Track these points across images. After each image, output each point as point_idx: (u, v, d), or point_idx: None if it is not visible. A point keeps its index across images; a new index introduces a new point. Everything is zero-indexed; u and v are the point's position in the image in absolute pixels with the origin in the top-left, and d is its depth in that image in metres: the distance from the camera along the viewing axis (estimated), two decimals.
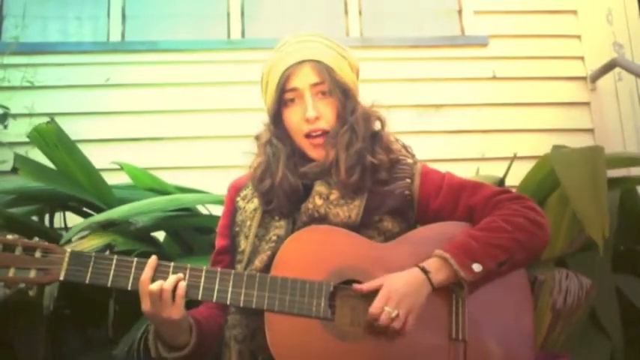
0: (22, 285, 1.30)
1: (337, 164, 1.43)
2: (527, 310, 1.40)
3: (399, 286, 1.28)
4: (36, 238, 1.35)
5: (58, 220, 2.44)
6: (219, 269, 1.35)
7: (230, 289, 1.32)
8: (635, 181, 2.29)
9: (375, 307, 1.27)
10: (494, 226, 1.37)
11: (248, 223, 1.50)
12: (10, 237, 1.33)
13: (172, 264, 1.34)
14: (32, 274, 1.31)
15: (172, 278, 1.31)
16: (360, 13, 3.50)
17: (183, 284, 1.31)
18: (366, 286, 1.31)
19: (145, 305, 1.30)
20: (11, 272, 1.30)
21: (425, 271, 1.31)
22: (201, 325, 1.40)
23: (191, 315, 1.39)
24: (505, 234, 1.36)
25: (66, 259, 1.32)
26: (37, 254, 1.32)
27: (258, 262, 1.41)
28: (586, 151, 2.01)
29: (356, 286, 1.31)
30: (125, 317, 1.88)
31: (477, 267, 1.31)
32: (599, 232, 1.70)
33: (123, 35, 3.39)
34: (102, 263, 1.33)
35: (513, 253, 1.35)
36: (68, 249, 1.35)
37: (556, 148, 2.12)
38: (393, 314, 1.25)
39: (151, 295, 1.29)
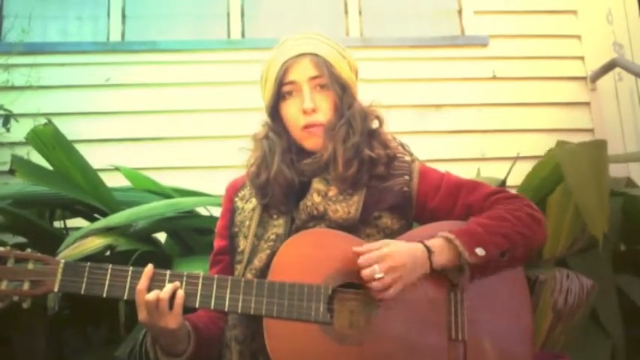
0: (16, 298, 1.28)
1: (335, 157, 1.44)
2: (526, 309, 1.40)
3: (397, 254, 1.28)
4: (28, 250, 1.33)
5: (58, 221, 2.44)
6: (216, 276, 1.34)
7: (228, 296, 1.31)
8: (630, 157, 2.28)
9: (365, 259, 1.26)
10: (499, 216, 1.38)
11: (247, 222, 1.50)
12: (1, 249, 1.32)
13: (169, 272, 1.32)
14: (25, 286, 1.29)
15: (169, 287, 1.29)
16: (360, 13, 3.50)
17: (181, 293, 1.29)
18: (365, 247, 1.30)
19: (142, 315, 1.29)
20: (4, 285, 1.28)
21: (429, 250, 1.31)
22: (200, 332, 1.40)
23: (190, 320, 1.38)
24: (509, 224, 1.37)
25: (60, 270, 1.31)
26: (30, 265, 1.31)
27: (257, 262, 1.41)
28: (590, 146, 2.01)
29: (355, 248, 1.30)
30: (135, 317, 1.88)
31: (480, 251, 1.31)
32: (599, 227, 1.70)
33: (123, 35, 3.38)
34: (96, 273, 1.31)
35: (516, 245, 1.36)
36: (62, 260, 1.33)
37: (560, 143, 2.12)
38: (377, 275, 1.24)
39: (148, 305, 1.27)
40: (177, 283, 1.30)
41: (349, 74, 1.52)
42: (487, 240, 1.33)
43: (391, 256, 1.27)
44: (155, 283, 1.31)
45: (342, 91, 1.48)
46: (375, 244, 1.30)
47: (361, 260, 1.27)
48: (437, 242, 1.33)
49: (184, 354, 1.35)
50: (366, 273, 1.25)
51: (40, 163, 2.31)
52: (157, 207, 2.10)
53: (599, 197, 1.75)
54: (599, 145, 1.96)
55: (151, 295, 1.28)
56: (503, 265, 1.36)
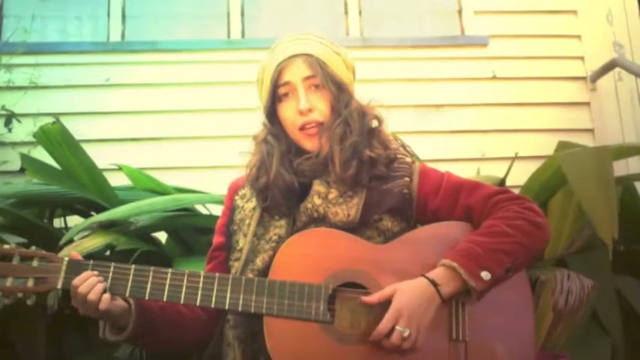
0: (21, 294, 1.31)
1: (332, 158, 1.44)
2: (528, 310, 1.39)
3: (409, 302, 1.26)
4: (33, 247, 1.35)
5: (58, 221, 2.44)
6: (217, 275, 1.34)
7: (228, 295, 1.32)
8: (633, 177, 2.29)
9: (385, 325, 1.25)
10: (497, 231, 1.36)
11: (247, 221, 1.50)
12: (7, 247, 1.34)
13: (170, 270, 1.34)
14: (30, 283, 1.31)
15: (89, 283, 1.30)
16: (360, 13, 3.50)
17: (98, 288, 1.30)
18: (375, 298, 1.29)
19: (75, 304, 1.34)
20: (9, 282, 1.31)
21: (434, 284, 1.29)
22: (147, 311, 1.39)
23: (139, 301, 1.38)
24: (509, 238, 1.34)
25: (63, 268, 1.33)
26: (35, 263, 1.33)
27: (259, 262, 1.41)
28: (593, 152, 2.01)
29: (364, 298, 1.29)
30: None
31: (485, 275, 1.29)
32: (608, 233, 1.70)
33: (123, 35, 3.38)
34: (99, 271, 1.33)
35: (518, 257, 1.34)
36: (65, 257, 1.35)
37: (562, 144, 2.12)
38: (405, 334, 1.23)
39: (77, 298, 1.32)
40: (94, 279, 1.31)
41: (345, 72, 1.52)
42: (490, 261, 1.31)
43: (405, 308, 1.25)
44: (157, 280, 1.33)
45: (337, 90, 1.47)
46: (385, 292, 1.28)
47: (382, 329, 1.24)
48: (440, 273, 1.31)
49: (127, 328, 1.37)
50: (394, 340, 1.23)
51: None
52: (158, 202, 2.11)
53: (606, 203, 1.74)
54: (603, 151, 1.95)
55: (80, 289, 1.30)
56: (509, 278, 1.35)
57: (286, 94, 1.48)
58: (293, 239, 1.37)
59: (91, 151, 2.42)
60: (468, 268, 1.29)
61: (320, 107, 1.47)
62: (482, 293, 1.31)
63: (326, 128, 1.46)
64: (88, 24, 3.46)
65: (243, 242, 1.48)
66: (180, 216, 2.27)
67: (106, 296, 1.31)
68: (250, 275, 1.40)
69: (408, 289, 1.28)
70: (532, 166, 2.16)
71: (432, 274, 1.31)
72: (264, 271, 1.38)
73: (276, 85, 1.47)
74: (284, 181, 1.46)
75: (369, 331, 1.28)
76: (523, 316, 1.38)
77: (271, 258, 1.38)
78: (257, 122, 1.58)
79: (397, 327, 1.24)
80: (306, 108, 1.45)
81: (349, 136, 1.45)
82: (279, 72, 1.46)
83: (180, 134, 3.19)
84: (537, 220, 1.40)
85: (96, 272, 1.32)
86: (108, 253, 2.13)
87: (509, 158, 2.29)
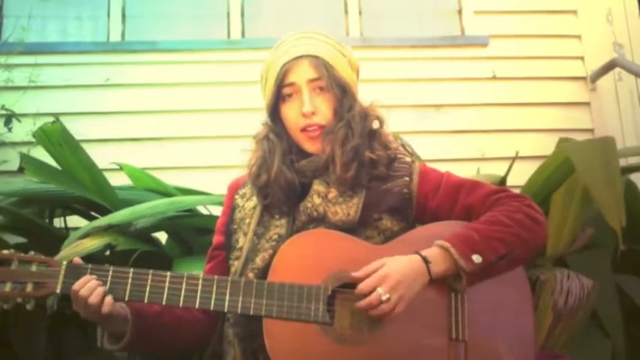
0: (20, 299, 1.31)
1: (333, 160, 1.44)
2: (528, 309, 1.39)
3: (396, 271, 1.27)
4: (32, 252, 1.35)
5: (58, 220, 2.44)
6: (215, 277, 1.34)
7: (227, 297, 1.32)
8: (634, 168, 2.29)
9: (366, 284, 1.26)
10: (495, 220, 1.37)
11: (247, 220, 1.50)
12: (5, 252, 1.34)
13: (169, 273, 1.33)
14: (29, 287, 1.31)
15: (88, 287, 1.30)
16: (360, 13, 3.50)
17: (98, 291, 1.30)
18: (363, 272, 1.29)
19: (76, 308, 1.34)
20: (8, 287, 1.31)
21: (426, 261, 1.30)
22: (144, 318, 1.39)
23: (135, 307, 1.38)
24: (506, 228, 1.35)
25: (62, 272, 1.32)
26: (33, 267, 1.33)
27: (259, 261, 1.41)
28: (598, 142, 2.02)
29: (353, 274, 1.29)
30: None
31: (476, 258, 1.30)
32: (616, 220, 1.70)
33: (123, 35, 3.38)
34: (98, 275, 1.33)
35: (513, 248, 1.34)
36: (64, 262, 1.35)
37: (563, 140, 2.11)
38: (384, 297, 1.24)
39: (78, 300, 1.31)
40: (94, 283, 1.30)
41: (349, 73, 1.52)
42: (483, 246, 1.32)
43: (390, 275, 1.26)
44: (156, 283, 1.32)
45: (341, 93, 1.47)
46: (373, 265, 1.29)
47: (362, 286, 1.26)
48: (433, 251, 1.32)
49: (124, 337, 1.37)
50: (372, 299, 1.24)
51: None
52: (158, 205, 2.10)
53: (613, 191, 1.76)
54: (608, 141, 1.97)
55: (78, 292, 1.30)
56: (502, 269, 1.36)
57: (290, 95, 1.48)
58: (293, 239, 1.37)
59: (90, 151, 2.42)
60: (459, 248, 1.30)
61: (323, 110, 1.47)
62: (473, 277, 1.32)
63: (328, 132, 1.46)
64: (88, 24, 3.46)
65: (243, 241, 1.48)
66: (180, 216, 2.27)
67: (109, 299, 1.31)
68: (250, 274, 1.40)
69: (399, 261, 1.30)
70: (532, 166, 2.16)
71: (424, 252, 1.32)
72: (264, 270, 1.38)
73: (280, 85, 1.47)
74: (285, 179, 1.46)
75: (369, 331, 1.28)
76: (523, 315, 1.38)
77: (271, 257, 1.38)
78: (257, 122, 1.58)
79: (378, 288, 1.24)
80: (310, 111, 1.45)
81: (351, 139, 1.45)
82: (284, 72, 1.46)
83: (180, 134, 3.19)
84: (536, 216, 1.40)
85: (94, 276, 1.32)
86: (107, 253, 2.13)
87: (509, 158, 2.29)
